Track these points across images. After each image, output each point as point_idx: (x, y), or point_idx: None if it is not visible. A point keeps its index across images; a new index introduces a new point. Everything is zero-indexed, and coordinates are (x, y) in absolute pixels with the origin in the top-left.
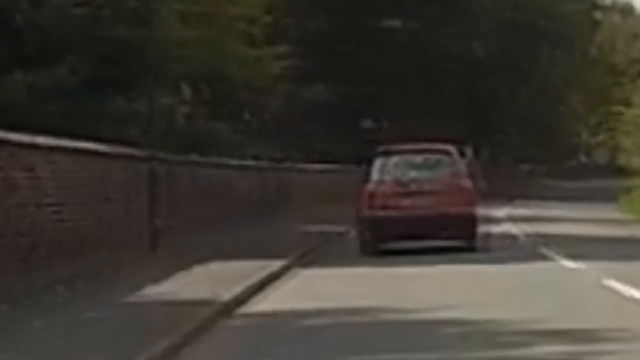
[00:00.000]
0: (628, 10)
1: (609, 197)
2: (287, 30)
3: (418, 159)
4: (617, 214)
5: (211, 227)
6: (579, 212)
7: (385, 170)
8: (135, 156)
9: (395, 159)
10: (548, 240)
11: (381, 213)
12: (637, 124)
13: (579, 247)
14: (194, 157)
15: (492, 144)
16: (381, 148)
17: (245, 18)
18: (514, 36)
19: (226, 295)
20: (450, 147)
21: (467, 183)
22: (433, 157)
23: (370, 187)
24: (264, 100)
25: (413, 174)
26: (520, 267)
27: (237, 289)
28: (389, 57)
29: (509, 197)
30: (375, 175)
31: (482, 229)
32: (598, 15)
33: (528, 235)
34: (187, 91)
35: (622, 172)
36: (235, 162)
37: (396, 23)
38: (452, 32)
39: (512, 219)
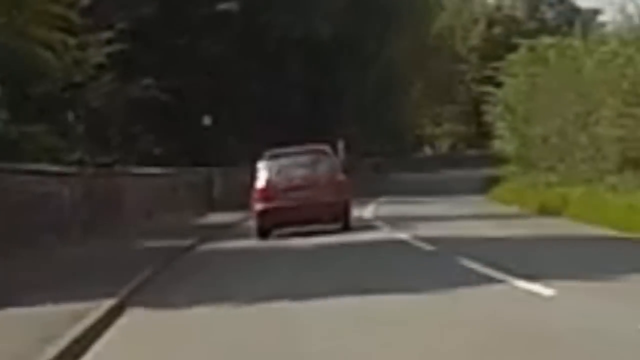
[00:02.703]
0: None
1: (469, 188)
2: (110, 19)
3: (300, 159)
4: (502, 207)
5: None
6: (456, 208)
7: (273, 170)
8: None
9: (281, 160)
10: (459, 249)
11: (274, 204)
12: (509, 106)
13: (514, 259)
14: None
15: (336, 137)
16: (269, 152)
17: (60, 2)
18: (360, 18)
19: None
20: (326, 147)
21: (341, 177)
22: (312, 156)
23: (262, 183)
24: (87, 96)
25: (297, 171)
26: (462, 295)
27: None
28: (226, 46)
29: (368, 194)
30: (265, 174)
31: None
32: None
33: (425, 243)
34: None
35: (494, 159)
36: (54, 168)
37: (233, 6)
38: (294, 12)
39: (385, 220)
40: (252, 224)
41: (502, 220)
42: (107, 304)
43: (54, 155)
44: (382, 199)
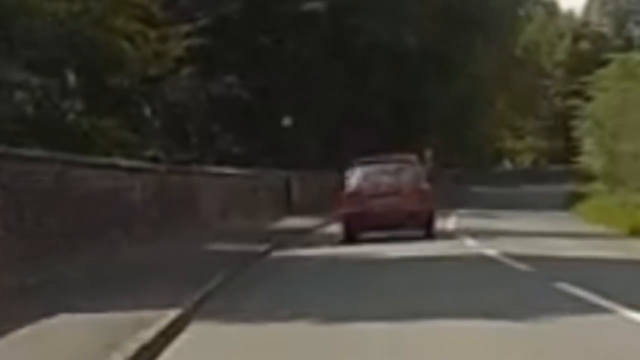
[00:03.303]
0: (553, 9)
1: (550, 204)
2: (192, 13)
3: (387, 167)
4: (587, 226)
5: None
6: (541, 224)
7: (361, 177)
8: None
9: (369, 168)
10: (553, 270)
11: (360, 209)
12: (598, 122)
13: (613, 284)
14: (61, 154)
15: (418, 146)
16: (359, 159)
17: None
18: (448, 27)
19: None
20: (412, 157)
21: (425, 186)
22: (399, 165)
23: (350, 189)
24: (165, 91)
25: (383, 179)
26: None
27: None
28: (311, 47)
29: (448, 205)
30: (353, 180)
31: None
32: (523, 12)
33: (515, 261)
34: (72, 79)
35: (577, 176)
36: (124, 162)
37: (319, 6)
38: (382, 18)
39: (469, 233)
40: (336, 228)
41: (591, 240)
42: (169, 316)
43: (127, 150)
44: (462, 211)
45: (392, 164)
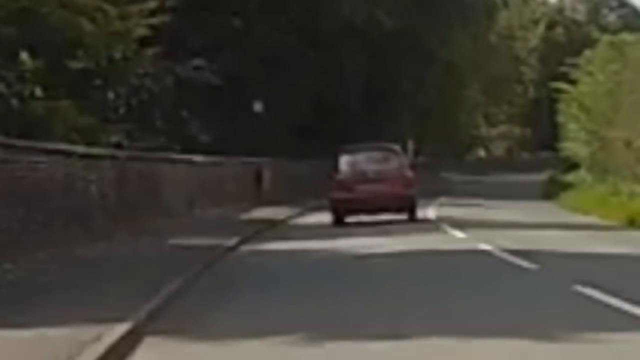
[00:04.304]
0: None
1: (527, 192)
2: None
3: (373, 155)
4: (578, 216)
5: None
6: (527, 214)
7: (350, 164)
8: None
9: (357, 156)
10: (563, 268)
11: (349, 195)
12: (584, 106)
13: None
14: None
15: (391, 134)
16: (345, 147)
17: None
18: (423, 10)
19: None
20: (396, 146)
21: (409, 173)
22: (384, 154)
23: (340, 176)
24: (129, 73)
25: (371, 166)
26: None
27: None
28: (282, 31)
29: (424, 194)
30: (342, 167)
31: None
32: None
33: (517, 257)
34: (28, 61)
35: (549, 164)
36: (76, 148)
37: None
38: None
39: (454, 225)
40: (311, 219)
41: (588, 232)
42: (114, 332)
43: (89, 136)
44: (442, 200)
45: (377, 152)
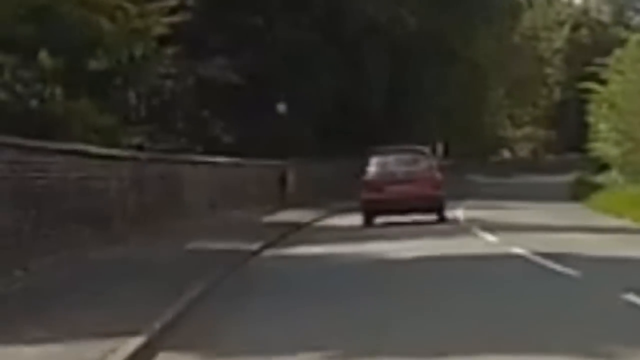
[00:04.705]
0: None
1: (554, 194)
2: None
3: (403, 157)
4: (611, 219)
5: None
6: (557, 216)
7: (380, 165)
8: None
9: (387, 158)
10: (607, 275)
11: (379, 195)
12: (615, 106)
13: None
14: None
15: (411, 134)
16: (376, 149)
17: None
18: (447, 9)
19: None
20: (425, 148)
21: (437, 175)
22: (413, 156)
23: (369, 177)
24: (150, 72)
25: (400, 168)
26: None
27: None
28: (304, 30)
29: (450, 197)
30: (372, 168)
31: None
32: None
33: (554, 262)
34: (46, 60)
35: (589, 164)
36: (95, 149)
37: None
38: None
39: (484, 227)
40: (337, 221)
41: (626, 236)
42: (128, 347)
43: (109, 137)
44: (469, 203)
45: (407, 154)
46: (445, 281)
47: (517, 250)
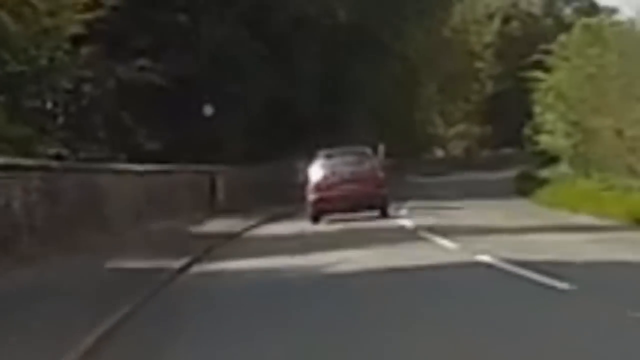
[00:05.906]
0: None
1: (497, 191)
2: None
3: (347, 158)
4: (570, 216)
5: None
6: (508, 216)
7: (326, 166)
8: None
9: (332, 159)
10: (600, 285)
11: (325, 194)
12: (561, 93)
13: None
14: None
15: (344, 133)
16: (321, 151)
17: None
18: (378, 2)
19: None
20: (367, 149)
21: (380, 174)
22: (357, 157)
23: (318, 177)
24: (63, 76)
25: (346, 168)
26: None
27: None
28: (229, 25)
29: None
30: (318, 170)
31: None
32: None
33: (532, 272)
34: None
35: (534, 158)
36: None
37: None
38: None
39: (435, 232)
40: (270, 229)
41: (596, 235)
42: None
43: (22, 147)
44: (411, 204)
45: (351, 156)
46: (402, 302)
47: (483, 258)
